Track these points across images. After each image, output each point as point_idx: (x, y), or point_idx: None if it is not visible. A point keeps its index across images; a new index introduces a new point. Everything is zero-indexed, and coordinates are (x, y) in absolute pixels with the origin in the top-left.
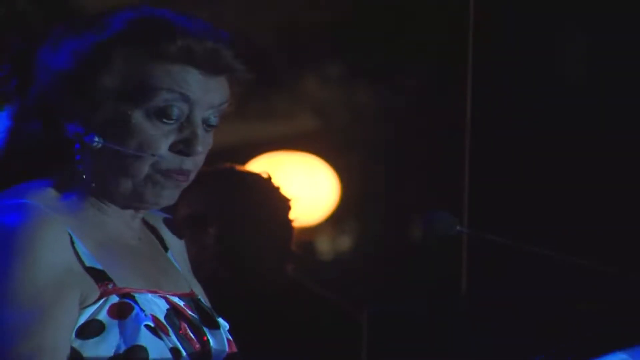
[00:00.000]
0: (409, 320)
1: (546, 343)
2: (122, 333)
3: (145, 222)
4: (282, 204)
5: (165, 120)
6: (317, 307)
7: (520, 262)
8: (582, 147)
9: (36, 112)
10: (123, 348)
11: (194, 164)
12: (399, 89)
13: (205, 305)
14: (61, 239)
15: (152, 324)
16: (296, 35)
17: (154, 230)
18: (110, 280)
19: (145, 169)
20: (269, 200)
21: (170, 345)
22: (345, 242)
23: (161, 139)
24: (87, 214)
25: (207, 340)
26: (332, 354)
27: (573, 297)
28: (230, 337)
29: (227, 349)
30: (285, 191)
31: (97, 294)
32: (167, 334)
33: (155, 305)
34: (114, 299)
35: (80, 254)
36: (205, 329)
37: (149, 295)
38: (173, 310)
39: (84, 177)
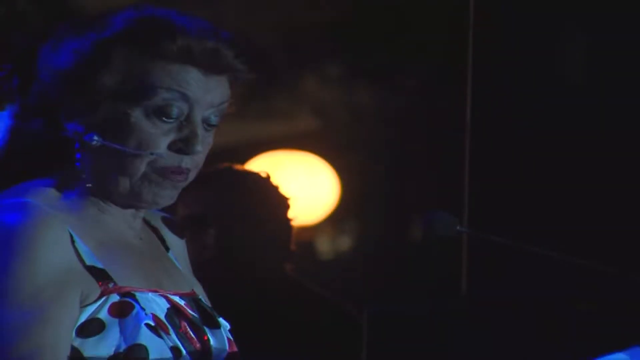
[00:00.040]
0: (409, 320)
1: (546, 343)
2: (123, 332)
3: (146, 223)
4: (281, 204)
5: (164, 119)
6: (317, 307)
7: (520, 262)
8: (582, 147)
9: (37, 111)
10: (123, 347)
11: (193, 162)
12: (399, 89)
13: (206, 305)
14: (62, 238)
15: (152, 323)
16: (296, 35)
17: (155, 230)
18: (111, 279)
19: (142, 167)
20: (268, 199)
21: (171, 344)
22: (345, 242)
23: (160, 138)
24: (87, 213)
25: (208, 339)
26: (332, 354)
27: (573, 297)
28: (230, 337)
29: (227, 349)
30: (284, 190)
31: (98, 292)
32: (168, 333)
33: (155, 304)
34: (115, 297)
35: (81, 252)
36: (206, 329)
37: (150, 294)
38: (174, 309)
39: (84, 176)
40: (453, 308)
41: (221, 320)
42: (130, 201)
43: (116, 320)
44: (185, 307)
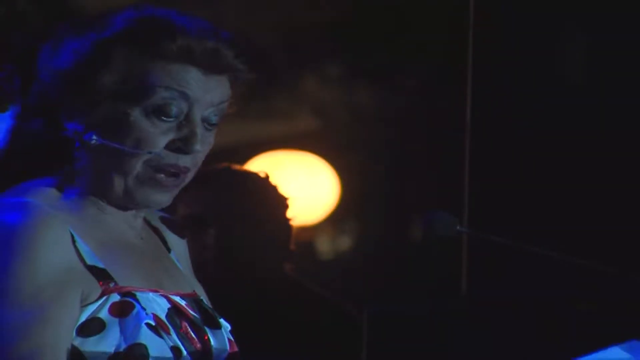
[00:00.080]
0: (409, 320)
1: (546, 343)
2: (123, 331)
3: (147, 223)
4: (280, 203)
5: (164, 118)
6: (317, 307)
7: (520, 262)
8: (582, 147)
9: (37, 111)
10: (123, 346)
11: (192, 162)
12: (399, 89)
13: (207, 306)
14: (62, 238)
15: (153, 323)
16: (296, 35)
17: (156, 231)
18: (111, 278)
19: (139, 166)
20: (267, 199)
21: (171, 344)
22: (345, 242)
23: (159, 137)
24: (88, 213)
25: (208, 339)
26: (332, 354)
27: (573, 297)
28: (231, 338)
29: (228, 349)
30: (283, 190)
31: (99, 292)
32: (168, 333)
33: (156, 304)
34: (115, 297)
35: (82, 252)
36: (207, 329)
37: (151, 294)
38: (174, 309)
39: (83, 176)
40: (453, 308)
41: (222, 321)
42: (124, 202)
43: (116, 319)
44: (186, 307)
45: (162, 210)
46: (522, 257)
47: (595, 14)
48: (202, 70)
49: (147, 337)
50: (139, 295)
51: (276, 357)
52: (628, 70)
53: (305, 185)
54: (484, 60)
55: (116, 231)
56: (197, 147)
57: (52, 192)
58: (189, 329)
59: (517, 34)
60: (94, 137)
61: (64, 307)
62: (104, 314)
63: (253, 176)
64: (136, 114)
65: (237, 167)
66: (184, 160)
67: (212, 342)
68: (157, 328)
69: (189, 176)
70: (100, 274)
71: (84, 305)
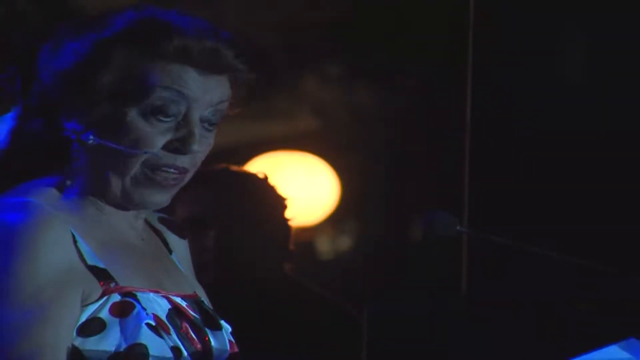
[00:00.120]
0: (409, 320)
1: (546, 343)
2: (123, 331)
3: (148, 224)
4: (279, 204)
5: (161, 118)
6: (317, 307)
7: (520, 262)
8: (582, 147)
9: (38, 111)
10: (124, 346)
11: (190, 162)
12: (399, 89)
13: (208, 307)
14: (63, 238)
15: (153, 323)
16: (296, 35)
17: (158, 233)
18: (112, 278)
19: (135, 166)
20: (266, 200)
21: (171, 344)
22: (345, 242)
23: (157, 137)
24: (88, 213)
25: (209, 340)
26: (332, 354)
27: (573, 297)
28: (232, 339)
29: (228, 350)
30: (281, 190)
31: (99, 292)
32: (169, 333)
33: (157, 305)
34: (116, 297)
35: (83, 252)
36: (207, 330)
37: (151, 294)
38: (175, 310)
39: (82, 176)
40: (453, 308)
41: (223, 322)
42: (122, 202)
43: (117, 319)
44: (186, 308)
45: (161, 210)
46: (522, 257)
47: (595, 14)
48: (200, 70)
49: (147, 337)
50: (139, 295)
51: (276, 357)
52: (628, 70)
53: (305, 186)
54: (484, 60)
55: (117, 231)
56: (195, 147)
57: (53, 192)
58: (190, 330)
59: (517, 34)
60: (91, 136)
61: (65, 307)
62: (104, 314)
63: (251, 177)
64: (134, 114)
65: (235, 167)
66: (182, 161)
67: (213, 342)
68: (158, 328)
69: (188, 176)
70: (101, 274)
71: (84, 305)
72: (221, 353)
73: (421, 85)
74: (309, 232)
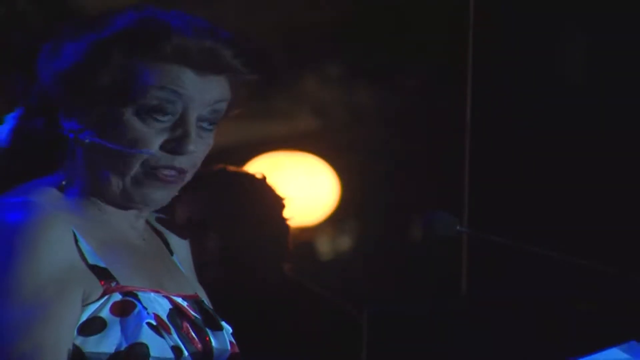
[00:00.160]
0: (409, 320)
1: (546, 343)
2: (124, 330)
3: (150, 225)
4: (277, 204)
5: (158, 118)
6: (317, 307)
7: (520, 262)
8: (582, 147)
9: (38, 111)
10: (124, 345)
11: (189, 163)
12: (399, 89)
13: (209, 308)
14: (64, 237)
15: (154, 322)
16: (296, 35)
17: (159, 234)
18: (113, 278)
19: (134, 166)
20: (264, 200)
21: (172, 344)
22: (345, 242)
23: (153, 137)
24: (89, 213)
25: (210, 340)
26: (332, 354)
27: (573, 297)
28: (233, 340)
29: (229, 349)
30: (279, 191)
31: (100, 291)
32: (169, 333)
33: (157, 304)
34: (117, 296)
35: (84, 251)
36: (208, 330)
37: (152, 294)
38: (176, 309)
39: (81, 175)
40: (453, 308)
41: (224, 323)
42: (122, 201)
43: (118, 319)
44: (187, 308)
45: (160, 211)
46: (522, 257)
47: (595, 14)
48: (199, 71)
49: (148, 337)
50: (140, 295)
51: (276, 357)
52: (628, 70)
53: (305, 186)
54: (484, 60)
55: (118, 231)
56: (191, 147)
57: (53, 192)
58: (190, 330)
59: (517, 34)
60: (87, 136)
61: (66, 306)
62: (105, 313)
63: (249, 177)
64: (130, 114)
65: (233, 168)
66: (180, 161)
67: (213, 342)
68: (158, 328)
69: (188, 177)
70: (102, 274)
71: (85, 305)
72: (222, 353)
73: (421, 85)
74: (309, 232)
